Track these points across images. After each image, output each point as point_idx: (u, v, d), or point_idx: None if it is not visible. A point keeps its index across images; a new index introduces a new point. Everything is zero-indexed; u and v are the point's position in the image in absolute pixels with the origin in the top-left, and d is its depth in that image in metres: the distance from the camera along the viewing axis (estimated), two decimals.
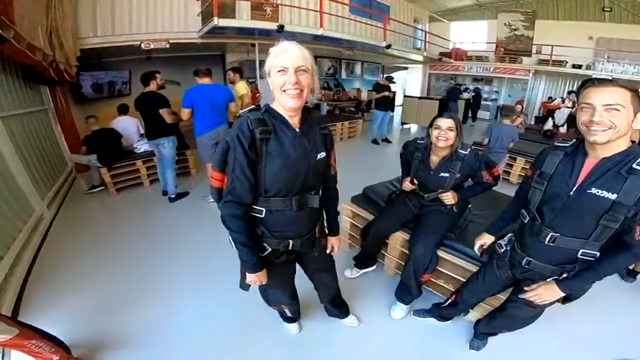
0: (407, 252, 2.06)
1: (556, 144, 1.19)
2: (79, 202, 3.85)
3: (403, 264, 2.16)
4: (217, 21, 4.58)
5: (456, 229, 1.98)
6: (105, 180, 3.85)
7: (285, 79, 0.98)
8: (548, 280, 1.22)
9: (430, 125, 1.79)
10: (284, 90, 0.99)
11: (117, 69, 6.14)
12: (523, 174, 4.17)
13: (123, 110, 4.48)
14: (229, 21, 4.85)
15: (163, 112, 3.27)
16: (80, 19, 4.55)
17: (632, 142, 1.03)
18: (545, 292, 1.22)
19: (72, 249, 2.77)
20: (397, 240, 2.17)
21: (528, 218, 1.25)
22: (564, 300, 1.26)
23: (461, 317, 1.98)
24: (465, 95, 9.98)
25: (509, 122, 3.89)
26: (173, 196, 3.73)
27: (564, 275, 1.18)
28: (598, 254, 1.09)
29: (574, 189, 1.06)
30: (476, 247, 1.62)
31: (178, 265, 2.52)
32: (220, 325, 1.95)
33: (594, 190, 1.01)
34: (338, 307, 1.82)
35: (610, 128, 0.94)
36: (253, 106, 1.10)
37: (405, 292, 1.96)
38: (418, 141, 1.94)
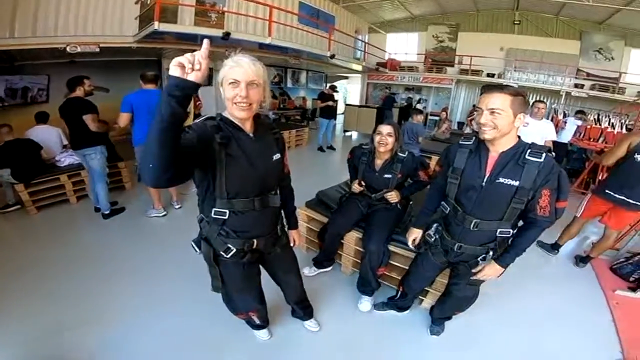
0: (361, 250, 2.20)
1: (460, 142, 1.41)
2: None
3: (359, 261, 2.29)
4: (158, 25, 4.33)
5: (402, 224, 2.19)
6: (22, 198, 3.34)
7: (236, 92, 1.02)
8: (488, 260, 1.44)
9: (374, 132, 1.99)
10: (234, 102, 1.04)
11: (33, 73, 5.38)
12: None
13: (42, 118, 3.92)
14: (170, 26, 4.62)
15: (87, 117, 2.98)
16: None
17: (518, 136, 1.28)
18: (490, 271, 1.44)
19: None
20: (351, 239, 2.30)
21: (449, 209, 1.45)
22: None
23: (417, 305, 2.16)
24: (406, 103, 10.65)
25: (415, 120, 4.79)
26: (107, 212, 3.38)
27: (490, 253, 1.40)
28: (512, 230, 1.34)
29: (485, 180, 1.28)
30: (409, 243, 1.77)
31: (121, 284, 2.30)
32: (186, 340, 1.85)
33: (502, 180, 1.24)
34: (303, 308, 1.87)
35: (494, 128, 1.18)
36: (208, 115, 1.13)
37: (366, 285, 2.12)
38: (363, 146, 2.14)
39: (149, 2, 4.77)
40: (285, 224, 1.52)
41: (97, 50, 4.76)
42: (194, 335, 1.90)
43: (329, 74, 12.70)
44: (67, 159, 3.76)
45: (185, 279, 2.32)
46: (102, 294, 2.22)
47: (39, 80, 5.49)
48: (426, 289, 2.05)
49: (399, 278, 2.13)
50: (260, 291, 1.56)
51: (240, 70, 1.01)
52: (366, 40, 11.07)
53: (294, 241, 1.58)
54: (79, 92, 3.04)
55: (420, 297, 2.12)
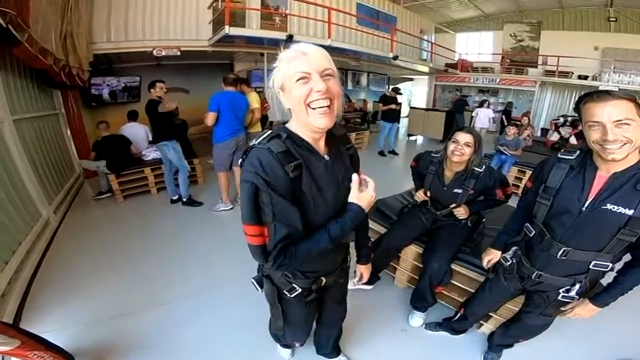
0: (419, 265, 2.06)
1: (560, 156, 1.17)
2: (85, 208, 3.85)
3: (415, 276, 2.16)
4: (228, 30, 4.62)
5: (470, 242, 1.98)
6: (113, 187, 3.85)
7: (310, 87, 0.74)
8: (565, 296, 1.23)
9: (449, 139, 1.77)
10: (309, 105, 0.76)
11: (127, 74, 6.19)
12: None
13: (133, 116, 4.49)
14: (239, 30, 4.90)
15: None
16: (94, 23, 4.61)
17: None
18: (583, 311, 1.24)
19: (77, 255, 2.75)
20: (410, 253, 2.15)
21: (534, 232, 1.24)
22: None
23: (474, 329, 1.95)
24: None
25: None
26: (185, 199, 3.77)
27: (577, 285, 1.18)
28: (611, 264, 1.10)
29: (586, 204, 1.05)
30: (484, 263, 1.60)
31: (184, 274, 2.49)
32: (227, 339, 1.90)
33: (609, 206, 1.00)
34: (332, 344, 1.64)
35: (626, 143, 0.92)
36: (269, 132, 0.84)
37: (421, 301, 1.97)
38: (433, 154, 1.93)
39: (219, 7, 5.10)
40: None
41: (178, 53, 5.26)
42: (234, 332, 1.94)
43: (392, 76, 12.37)
44: (151, 153, 4.22)
45: (240, 270, 2.40)
46: (170, 276, 2.45)
47: (132, 80, 6.29)
48: (489, 313, 1.83)
49: (459, 299, 1.97)
50: (311, 324, 1.44)
51: (308, 59, 0.74)
52: (433, 41, 10.51)
53: (361, 275, 1.36)
54: (153, 94, 3.42)
55: (481, 321, 1.91)
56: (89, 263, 2.62)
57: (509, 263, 1.41)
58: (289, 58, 0.76)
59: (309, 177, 0.82)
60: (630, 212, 0.97)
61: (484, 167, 1.75)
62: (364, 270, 1.35)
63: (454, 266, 1.92)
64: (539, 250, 1.23)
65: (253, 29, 5.68)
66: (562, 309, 1.31)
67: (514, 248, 1.41)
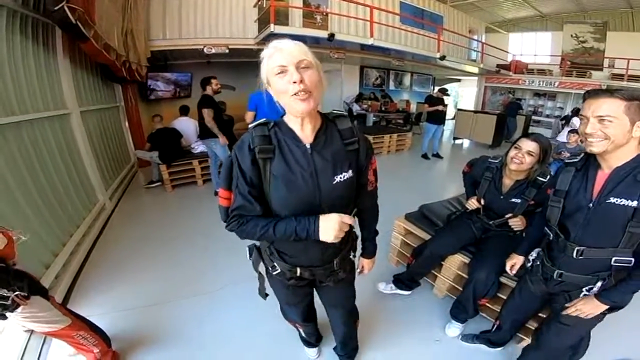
0: (463, 275, 1.97)
1: (566, 161, 1.23)
2: (137, 195, 4.14)
3: (457, 287, 2.06)
4: (273, 28, 4.71)
5: None
6: (163, 176, 4.10)
7: (287, 80, 0.80)
8: (587, 294, 1.21)
9: (513, 144, 1.67)
10: (290, 95, 0.82)
11: (180, 71, 6.55)
12: None
13: (184, 111, 4.75)
14: (283, 28, 4.97)
15: (204, 111, 3.48)
16: (151, 21, 4.92)
17: None
18: (585, 306, 1.20)
19: (124, 241, 2.91)
20: (455, 262, 2.03)
21: (551, 235, 1.26)
22: (609, 310, 1.22)
23: (514, 344, 1.82)
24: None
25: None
26: None
27: (599, 283, 1.17)
28: (633, 259, 1.08)
29: (592, 201, 1.09)
30: (507, 268, 1.60)
31: (221, 265, 2.54)
32: (257, 333, 1.91)
33: (612, 200, 1.03)
34: (344, 349, 1.64)
35: (605, 139, 0.98)
36: (262, 120, 0.94)
37: (461, 311, 1.88)
38: (490, 160, 1.83)
39: (264, 5, 5.22)
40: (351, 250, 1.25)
41: (227, 51, 5.46)
42: (260, 323, 1.94)
43: (437, 77, 11.94)
44: (199, 147, 4.42)
45: None
46: (206, 267, 2.51)
47: (184, 77, 6.64)
48: (530, 327, 1.70)
49: None
50: (306, 310, 1.43)
51: (284, 53, 0.80)
52: (483, 41, 9.94)
53: (362, 268, 1.32)
54: (208, 90, 3.54)
55: (521, 335, 1.78)
56: (134, 250, 2.76)
57: (530, 264, 1.44)
58: (268, 55, 0.83)
59: (282, 161, 0.89)
60: (634, 203, 0.99)
61: (548, 176, 1.63)
62: (366, 264, 1.31)
63: (501, 278, 1.79)
64: (557, 252, 1.25)
65: (296, 27, 5.74)
66: (566, 305, 1.27)
67: (537, 250, 1.43)
